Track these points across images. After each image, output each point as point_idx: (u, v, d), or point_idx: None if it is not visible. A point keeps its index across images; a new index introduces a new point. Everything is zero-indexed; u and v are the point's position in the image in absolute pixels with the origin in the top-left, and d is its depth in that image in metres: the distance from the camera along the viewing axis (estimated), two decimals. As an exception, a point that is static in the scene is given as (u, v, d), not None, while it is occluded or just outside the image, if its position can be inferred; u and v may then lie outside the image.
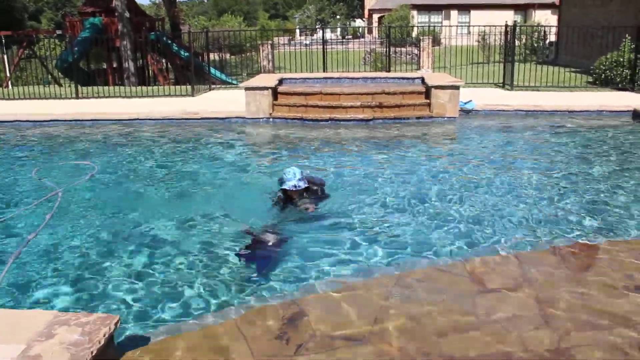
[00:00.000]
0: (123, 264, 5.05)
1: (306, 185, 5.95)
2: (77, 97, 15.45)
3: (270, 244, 5.18)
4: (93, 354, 3.10)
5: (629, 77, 15.40)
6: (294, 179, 5.89)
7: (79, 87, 15.95)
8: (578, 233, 5.63)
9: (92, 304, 4.34)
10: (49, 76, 22.11)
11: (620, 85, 15.50)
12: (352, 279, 4.70)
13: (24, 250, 5.34)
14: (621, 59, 15.66)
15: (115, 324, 3.41)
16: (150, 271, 4.91)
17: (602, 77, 16.16)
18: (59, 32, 23.42)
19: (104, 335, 3.27)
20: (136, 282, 4.71)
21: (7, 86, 19.54)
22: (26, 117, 12.44)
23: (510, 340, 3.69)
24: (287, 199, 6.05)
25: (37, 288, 4.63)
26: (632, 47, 15.55)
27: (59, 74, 22.94)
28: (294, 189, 5.90)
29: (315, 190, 6.18)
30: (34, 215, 6.34)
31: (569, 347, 3.60)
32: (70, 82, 17.80)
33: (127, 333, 3.88)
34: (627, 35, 15.96)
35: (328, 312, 4.16)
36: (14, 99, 15.35)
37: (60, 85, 19.51)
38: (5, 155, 9.70)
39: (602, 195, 6.87)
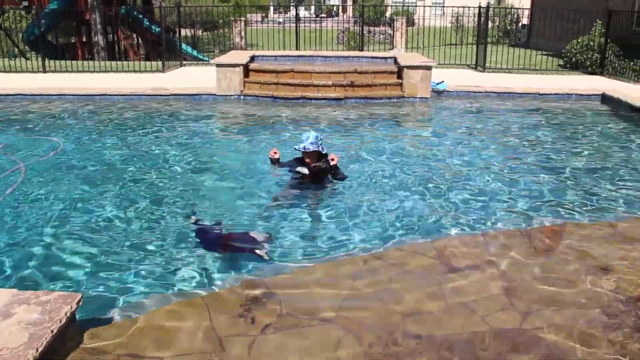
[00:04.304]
0: (86, 242, 4.95)
1: (316, 149, 6.07)
2: (44, 71, 15.09)
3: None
4: (53, 333, 3.04)
5: (598, 62, 15.58)
6: (305, 141, 6.08)
7: (46, 60, 15.59)
8: (545, 215, 5.68)
9: (54, 283, 4.25)
10: (15, 49, 21.53)
11: (590, 69, 15.69)
12: (320, 260, 4.68)
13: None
14: (592, 43, 15.82)
15: (77, 303, 3.35)
16: (113, 250, 4.81)
17: (573, 60, 16.33)
18: (25, 3, 22.71)
19: (65, 314, 3.21)
20: (99, 260, 4.61)
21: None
22: (-10, 90, 12.09)
23: (475, 320, 3.72)
24: (302, 162, 6.26)
25: (-3, 265, 4.52)
26: (602, 31, 15.71)
27: (26, 47, 22.37)
28: (302, 150, 6.09)
29: (329, 165, 6.17)
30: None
31: (531, 328, 3.64)
32: (37, 55, 17.35)
33: (90, 312, 3.80)
34: (597, 20, 16.11)
35: (295, 292, 4.14)
36: (-23, 71, 14.96)
37: (26, 58, 19.02)
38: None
39: (568, 178, 6.95)
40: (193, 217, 5.43)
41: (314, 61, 13.27)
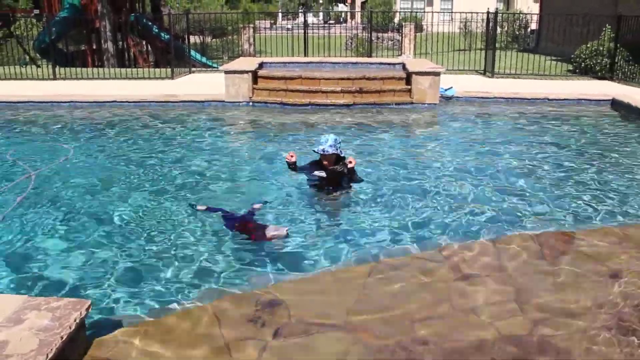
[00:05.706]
0: (96, 248, 4.97)
1: (335, 152, 6.05)
2: (54, 79, 15.22)
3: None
4: (63, 339, 3.05)
5: (608, 66, 15.52)
6: (324, 143, 6.05)
7: (57, 68, 15.71)
8: (554, 221, 5.66)
9: (64, 289, 4.27)
10: (26, 57, 21.70)
11: (599, 74, 15.63)
12: (329, 266, 4.68)
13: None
14: (601, 48, 15.76)
15: (87, 309, 3.36)
16: (124, 255, 4.84)
17: (582, 65, 16.27)
18: (36, 11, 22.87)
19: (75, 320, 3.21)
20: (109, 266, 4.64)
21: (-18, 66, 19.12)
22: (1, 98, 12.19)
23: (485, 326, 3.70)
24: (320, 165, 6.23)
25: (7, 272, 4.54)
26: (611, 36, 15.66)
27: (37, 54, 22.54)
28: (321, 152, 6.05)
29: (347, 167, 6.08)
30: (5, 198, 6.23)
31: (543, 334, 3.62)
32: (47, 63, 17.49)
33: (100, 318, 3.82)
34: (607, 25, 16.05)
35: (304, 299, 4.14)
36: (-11, 79, 15.08)
37: (37, 66, 19.17)
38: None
39: (578, 183, 6.91)
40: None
41: (322, 67, 13.29)
